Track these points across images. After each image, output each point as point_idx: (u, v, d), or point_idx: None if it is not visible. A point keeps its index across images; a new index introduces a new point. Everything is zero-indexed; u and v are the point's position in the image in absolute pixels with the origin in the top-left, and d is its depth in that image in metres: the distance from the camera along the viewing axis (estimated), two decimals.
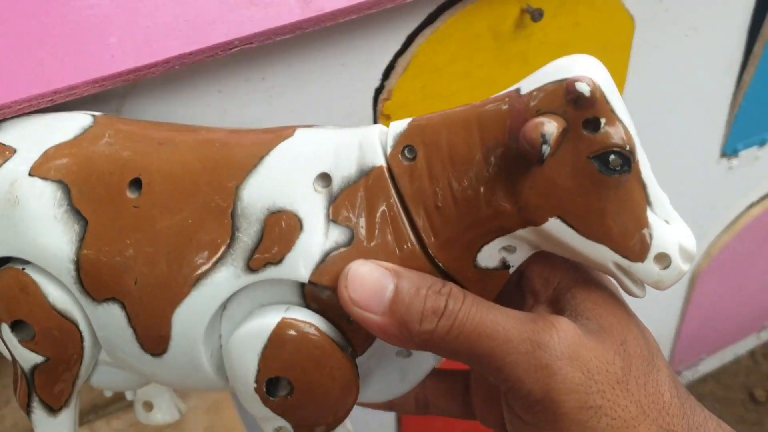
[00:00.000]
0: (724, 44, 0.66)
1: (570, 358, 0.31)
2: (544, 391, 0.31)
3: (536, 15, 0.49)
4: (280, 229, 0.35)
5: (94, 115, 0.40)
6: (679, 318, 1.05)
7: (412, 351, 0.42)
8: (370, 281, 0.33)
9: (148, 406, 0.54)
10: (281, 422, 0.39)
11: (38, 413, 0.44)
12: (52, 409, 0.44)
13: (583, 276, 0.36)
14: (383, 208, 0.36)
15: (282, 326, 0.35)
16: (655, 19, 0.59)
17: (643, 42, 0.59)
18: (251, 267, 0.36)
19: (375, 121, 0.52)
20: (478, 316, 0.32)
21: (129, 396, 0.53)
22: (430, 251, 0.35)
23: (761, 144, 0.89)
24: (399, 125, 0.36)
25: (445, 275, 0.36)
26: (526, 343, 0.32)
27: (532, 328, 0.32)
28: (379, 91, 0.50)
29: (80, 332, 0.41)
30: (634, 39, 0.58)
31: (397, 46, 0.48)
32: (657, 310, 1.00)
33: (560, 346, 0.32)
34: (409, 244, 0.35)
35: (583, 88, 0.31)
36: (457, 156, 0.34)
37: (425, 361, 0.42)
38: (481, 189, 0.34)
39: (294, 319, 0.35)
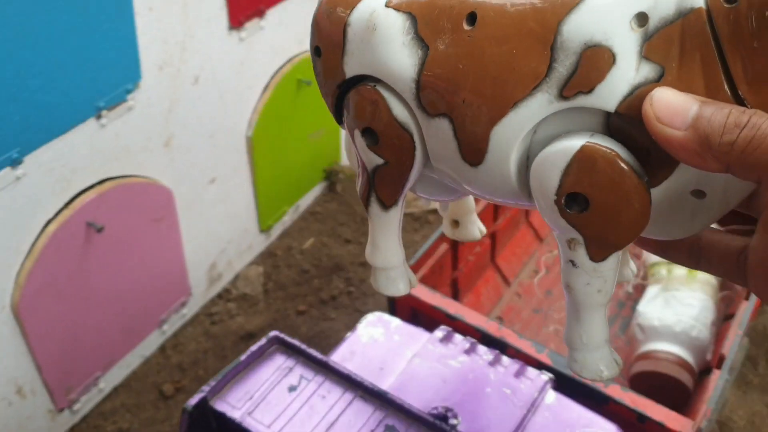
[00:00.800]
0: None
1: None
2: None
3: None
4: (594, 61, 0.39)
5: None
6: (29, 352, 1.02)
7: (706, 192, 0.43)
8: (675, 101, 0.34)
9: (456, 223, 0.66)
10: (574, 234, 0.43)
11: (374, 207, 0.54)
12: (385, 206, 0.54)
13: None
14: (698, 49, 0.37)
15: (586, 148, 0.39)
16: None
17: None
18: (564, 95, 0.40)
19: None
20: None
21: (440, 211, 0.64)
22: (741, 94, 0.36)
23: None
24: None
25: None
26: None
27: None
28: None
29: (414, 142, 0.49)
30: None
31: None
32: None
33: None
34: (719, 86, 0.36)
35: None
36: None
37: (718, 206, 0.44)
38: None
39: (597, 144, 0.38)
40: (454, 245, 1.13)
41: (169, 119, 1.14)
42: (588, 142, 0.40)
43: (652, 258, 1.29)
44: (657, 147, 0.38)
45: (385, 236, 0.60)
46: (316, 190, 1.83)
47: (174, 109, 1.14)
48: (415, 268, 1.06)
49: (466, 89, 0.45)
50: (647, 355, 1.11)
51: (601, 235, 0.44)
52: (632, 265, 0.64)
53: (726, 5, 0.37)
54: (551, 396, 0.81)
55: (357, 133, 0.53)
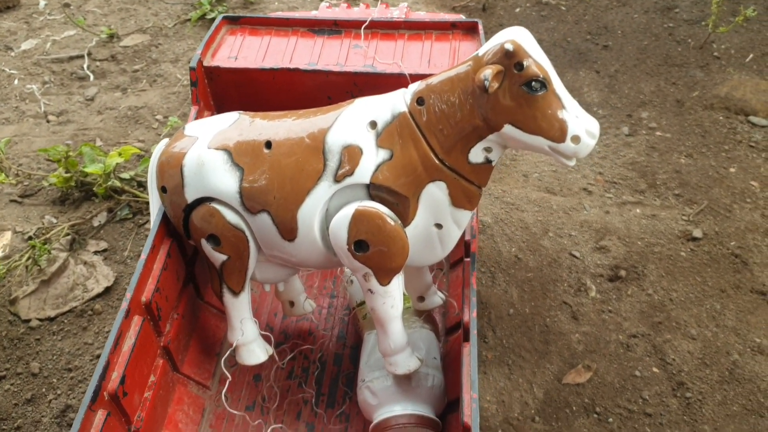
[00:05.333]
0: None
1: None
2: None
3: None
4: (351, 155, 0.84)
5: (240, 113, 0.95)
6: None
7: (442, 224, 0.89)
8: None
9: (291, 303, 1.10)
10: (365, 269, 0.87)
11: (227, 295, 0.95)
12: (234, 292, 0.94)
13: None
14: (410, 135, 0.84)
15: (358, 210, 0.83)
16: None
17: None
18: (337, 180, 0.84)
19: None
20: None
21: (280, 288, 1.07)
22: (440, 156, 0.84)
23: None
24: (414, 86, 0.86)
25: (451, 170, 0.85)
26: None
27: None
28: None
29: (246, 237, 0.90)
30: None
31: None
32: None
33: None
34: (426, 154, 0.83)
35: (509, 46, 0.76)
36: (448, 99, 0.82)
37: (454, 234, 0.90)
38: (464, 115, 0.82)
39: (365, 206, 0.83)
40: (118, 403, 0.84)
41: None
42: (359, 206, 0.85)
43: (358, 295, 1.13)
44: (400, 201, 0.86)
45: (239, 317, 0.99)
46: None
47: None
48: None
49: (275, 190, 0.89)
50: (388, 425, 0.95)
51: (382, 265, 0.88)
52: (440, 294, 1.09)
53: (418, 107, 0.85)
54: None
55: (203, 241, 0.94)
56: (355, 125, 0.87)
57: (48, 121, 2.09)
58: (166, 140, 1.00)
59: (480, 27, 1.19)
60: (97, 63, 2.33)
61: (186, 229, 0.97)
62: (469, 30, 1.21)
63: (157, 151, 0.99)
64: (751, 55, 2.18)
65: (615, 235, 1.60)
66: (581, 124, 0.79)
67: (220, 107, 1.20)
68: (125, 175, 1.75)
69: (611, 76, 2.16)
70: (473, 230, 0.99)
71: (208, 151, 0.92)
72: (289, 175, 0.88)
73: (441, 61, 1.15)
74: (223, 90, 1.18)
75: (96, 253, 1.63)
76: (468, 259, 0.96)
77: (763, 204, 1.67)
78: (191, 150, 0.93)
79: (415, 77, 1.12)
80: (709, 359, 1.34)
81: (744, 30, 2.29)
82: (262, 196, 0.89)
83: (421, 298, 1.08)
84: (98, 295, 1.52)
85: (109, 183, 1.68)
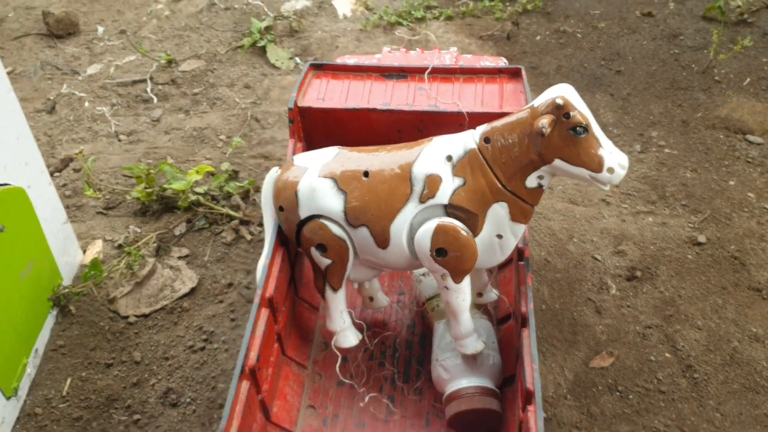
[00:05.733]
0: None
1: None
2: None
3: None
4: (433, 182, 1.11)
5: (339, 148, 1.23)
6: None
7: (503, 235, 1.13)
8: None
9: (371, 298, 1.38)
10: (443, 270, 1.13)
11: (328, 291, 1.23)
12: (335, 289, 1.23)
13: None
14: (479, 167, 1.10)
15: (439, 224, 1.10)
16: None
17: None
18: (421, 201, 1.12)
19: None
20: None
21: (366, 285, 1.35)
22: (503, 182, 1.10)
23: None
24: (482, 128, 1.13)
25: (512, 193, 1.10)
26: None
27: None
28: None
29: (347, 246, 1.18)
30: None
31: None
32: None
33: None
34: (492, 181, 1.10)
35: (559, 101, 1.03)
36: (509, 139, 1.09)
37: (511, 242, 1.15)
38: (522, 151, 1.08)
39: (443, 221, 1.10)
40: (254, 377, 1.09)
41: None
42: (439, 221, 1.10)
43: (426, 292, 1.38)
44: (471, 217, 1.11)
45: (337, 309, 1.24)
46: (50, 323, 1.62)
47: None
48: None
49: (372, 209, 1.13)
50: (459, 395, 1.20)
51: (457, 267, 1.12)
52: (494, 291, 1.34)
53: (485, 144, 1.10)
54: None
55: (312, 249, 1.18)
56: (435, 158, 1.12)
57: (119, 140, 2.33)
58: (276, 168, 1.25)
59: (523, 72, 1.43)
60: (159, 87, 2.58)
61: (298, 239, 1.22)
62: (513, 75, 1.46)
63: (270, 178, 1.24)
64: (748, 80, 2.44)
65: (631, 241, 1.84)
66: (615, 159, 1.05)
67: (308, 140, 1.45)
68: (199, 190, 2.00)
69: (624, 99, 2.41)
70: (525, 239, 1.24)
71: (318, 179, 1.16)
72: (383, 198, 1.12)
73: (492, 100, 1.40)
74: (312, 126, 1.42)
75: (179, 258, 1.88)
76: (522, 263, 1.20)
77: (759, 213, 1.92)
78: (304, 178, 1.18)
79: (471, 114, 1.36)
80: (713, 346, 1.56)
81: (742, 56, 2.54)
82: (362, 214, 1.13)
83: (480, 294, 1.32)
84: (185, 295, 1.75)
85: (191, 198, 1.93)
